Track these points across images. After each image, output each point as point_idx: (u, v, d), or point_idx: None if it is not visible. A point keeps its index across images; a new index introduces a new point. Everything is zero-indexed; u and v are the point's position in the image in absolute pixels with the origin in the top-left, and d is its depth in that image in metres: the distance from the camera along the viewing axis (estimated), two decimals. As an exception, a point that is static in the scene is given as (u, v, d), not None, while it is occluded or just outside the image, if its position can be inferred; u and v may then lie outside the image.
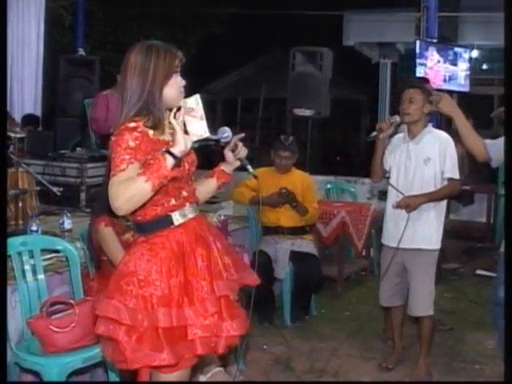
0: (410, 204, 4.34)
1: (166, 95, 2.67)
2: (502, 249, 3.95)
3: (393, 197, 4.50)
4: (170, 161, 2.52)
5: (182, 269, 2.67)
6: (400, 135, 4.58)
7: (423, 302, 4.44)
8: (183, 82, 2.73)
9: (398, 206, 4.39)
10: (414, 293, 4.44)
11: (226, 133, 2.78)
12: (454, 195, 4.65)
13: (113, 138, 2.61)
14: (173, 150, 2.55)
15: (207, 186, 2.97)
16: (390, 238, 4.54)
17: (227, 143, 2.84)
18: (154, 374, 2.75)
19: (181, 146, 2.55)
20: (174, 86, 2.69)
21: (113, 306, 2.61)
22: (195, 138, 2.63)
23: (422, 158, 4.36)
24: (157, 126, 2.67)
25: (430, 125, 4.54)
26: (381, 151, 4.55)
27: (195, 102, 2.69)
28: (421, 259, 4.41)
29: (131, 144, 2.57)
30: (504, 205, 3.72)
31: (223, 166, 2.94)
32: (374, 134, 4.47)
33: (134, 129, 2.60)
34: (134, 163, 2.55)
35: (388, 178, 4.59)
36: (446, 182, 4.38)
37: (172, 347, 2.60)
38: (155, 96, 2.65)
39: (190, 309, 2.62)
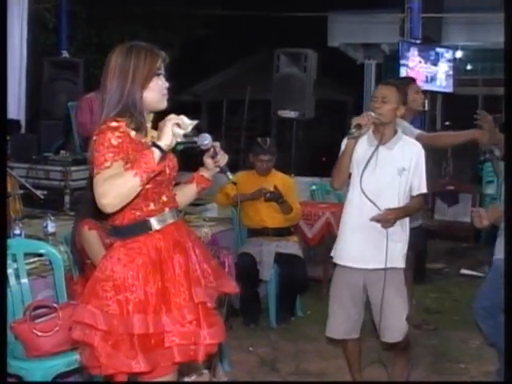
0: (391, 219, 3.79)
1: (147, 98, 2.65)
2: (498, 255, 3.94)
3: (361, 205, 3.86)
4: (157, 154, 2.49)
5: (160, 275, 2.62)
6: (365, 136, 3.94)
7: (400, 327, 3.93)
8: (166, 84, 2.70)
9: (378, 220, 3.79)
10: (388, 319, 3.88)
11: (206, 140, 2.70)
12: (418, 211, 4.36)
13: (94, 137, 2.58)
14: (159, 142, 2.52)
15: (186, 192, 2.92)
16: (353, 258, 3.92)
17: (207, 150, 2.78)
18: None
19: (167, 139, 2.53)
20: (156, 88, 2.66)
21: (88, 311, 2.58)
22: (182, 132, 2.57)
23: (395, 168, 3.84)
24: (139, 128, 2.64)
25: (399, 130, 4.01)
26: (353, 151, 3.88)
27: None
28: (395, 279, 3.87)
29: (114, 142, 2.53)
30: (504, 204, 3.71)
31: (202, 172, 2.89)
32: (354, 130, 3.77)
33: (116, 128, 2.57)
34: (118, 161, 2.52)
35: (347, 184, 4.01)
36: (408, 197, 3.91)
37: (147, 354, 2.56)
38: (135, 98, 2.62)
39: (167, 316, 2.58)
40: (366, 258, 3.88)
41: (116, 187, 2.45)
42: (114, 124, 2.58)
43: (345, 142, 3.91)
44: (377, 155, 3.85)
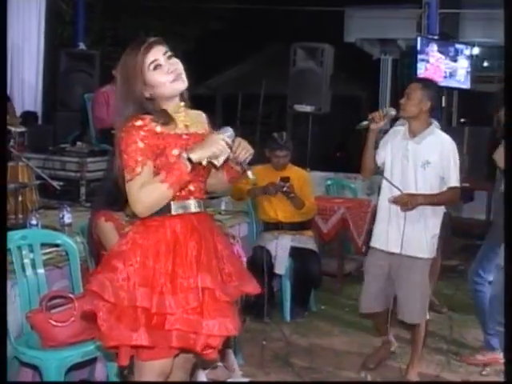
0: (408, 202, 4.06)
1: (154, 93, 2.69)
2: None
3: (387, 192, 4.25)
4: (188, 166, 2.58)
5: (172, 257, 2.64)
6: (398, 129, 4.36)
7: (416, 310, 4.25)
8: (173, 66, 2.68)
9: (395, 201, 4.11)
10: (405, 301, 4.24)
11: (226, 132, 2.69)
12: (455, 203, 4.50)
13: (121, 135, 2.63)
14: (193, 155, 2.59)
15: (219, 177, 2.90)
16: (378, 241, 4.33)
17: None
18: (136, 363, 2.73)
19: (202, 154, 2.60)
20: (156, 81, 2.67)
21: (98, 280, 2.63)
22: (220, 155, 2.63)
23: (420, 161, 4.10)
24: (166, 121, 2.68)
25: (433, 125, 4.25)
26: (373, 144, 4.29)
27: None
28: (414, 267, 4.20)
29: (140, 145, 2.59)
30: (504, 205, 3.73)
31: (231, 163, 2.84)
32: (365, 123, 4.23)
33: (141, 127, 2.61)
34: (147, 163, 2.60)
35: (381, 173, 4.36)
36: (444, 189, 4.15)
37: (149, 330, 2.58)
38: (141, 97, 2.67)
39: (171, 297, 2.58)
40: (387, 241, 4.24)
41: (151, 198, 2.60)
42: (139, 123, 2.62)
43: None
44: (407, 149, 4.17)
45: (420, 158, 4.11)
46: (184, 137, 2.71)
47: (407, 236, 4.11)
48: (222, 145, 2.60)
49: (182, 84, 2.71)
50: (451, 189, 4.14)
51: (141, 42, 2.70)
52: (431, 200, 4.13)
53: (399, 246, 4.14)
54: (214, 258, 2.74)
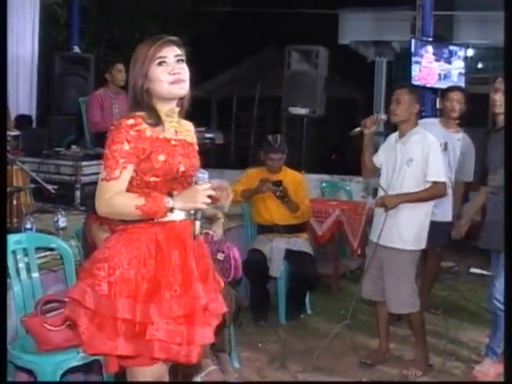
0: (385, 203, 4.37)
1: (152, 88, 2.68)
2: None
3: (380, 194, 4.55)
4: (167, 210, 2.59)
5: (154, 265, 2.62)
6: (396, 134, 4.57)
7: (398, 301, 4.43)
8: (176, 71, 2.67)
9: (376, 204, 4.50)
10: (388, 291, 4.45)
11: (205, 179, 2.63)
12: (438, 197, 4.56)
13: (111, 129, 2.62)
14: (177, 203, 2.59)
15: None
16: (372, 233, 4.61)
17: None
18: (127, 369, 2.73)
19: (185, 205, 2.60)
20: (156, 77, 2.66)
21: (79, 287, 2.62)
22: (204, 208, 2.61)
23: (405, 159, 4.36)
24: (156, 122, 2.66)
25: (419, 125, 4.52)
26: (369, 147, 4.58)
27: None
28: (395, 259, 4.40)
29: (126, 147, 2.57)
30: (504, 206, 3.74)
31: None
32: (358, 129, 4.54)
33: (132, 126, 2.60)
34: (128, 167, 2.59)
35: (379, 175, 4.62)
36: (428, 185, 4.35)
37: (129, 340, 2.56)
38: (138, 89, 2.67)
39: (155, 307, 2.56)
40: (373, 233, 4.56)
41: (119, 211, 2.59)
42: (131, 121, 2.61)
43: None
44: (395, 150, 4.44)
45: (405, 156, 4.36)
46: (173, 142, 2.70)
47: (387, 227, 4.36)
48: (206, 202, 2.58)
49: (179, 90, 2.69)
50: (434, 184, 4.35)
51: (160, 37, 2.70)
52: (407, 198, 4.35)
53: (384, 238, 4.38)
54: (198, 265, 2.72)
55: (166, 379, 2.83)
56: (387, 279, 4.43)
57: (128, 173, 2.59)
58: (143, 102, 2.68)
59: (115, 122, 2.63)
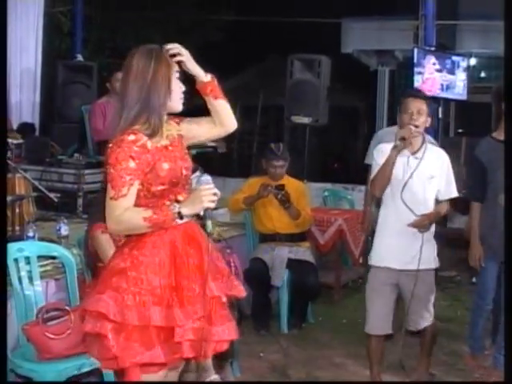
0: (426, 224, 4.12)
1: (168, 99, 2.69)
2: None
3: (400, 213, 4.12)
4: (176, 218, 2.61)
5: (174, 269, 2.65)
6: (384, 146, 4.20)
7: (425, 315, 4.29)
8: (183, 88, 2.75)
9: (416, 226, 4.09)
10: (413, 312, 4.25)
11: (209, 181, 2.70)
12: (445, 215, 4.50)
13: (112, 147, 2.61)
14: (184, 209, 2.61)
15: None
16: (390, 260, 4.18)
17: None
18: (142, 376, 2.70)
19: (192, 209, 2.63)
20: (176, 90, 2.71)
21: (103, 301, 2.60)
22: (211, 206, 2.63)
23: (425, 176, 4.10)
24: (155, 132, 2.66)
25: (427, 138, 4.31)
26: (394, 162, 4.06)
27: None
28: (428, 279, 4.23)
29: (131, 165, 2.58)
30: (504, 209, 3.73)
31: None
32: (399, 143, 4.01)
33: (134, 142, 2.60)
34: (134, 184, 2.60)
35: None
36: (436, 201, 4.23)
37: (162, 346, 2.60)
38: (155, 100, 2.65)
39: (179, 310, 2.59)
40: (401, 260, 4.15)
41: (129, 226, 2.63)
42: (132, 137, 2.61)
43: (379, 151, 4.20)
44: (408, 165, 4.10)
45: (425, 173, 4.11)
46: (170, 148, 2.72)
47: (425, 249, 4.12)
48: (213, 200, 2.62)
49: (181, 107, 2.76)
50: (446, 201, 4.26)
51: (159, 48, 2.71)
52: (438, 215, 4.23)
53: (410, 262, 4.12)
54: (211, 260, 2.75)
55: None
56: (416, 303, 4.19)
57: (135, 188, 2.61)
58: (155, 112, 2.65)
59: (115, 140, 2.62)
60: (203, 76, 2.77)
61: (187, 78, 2.78)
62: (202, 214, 2.68)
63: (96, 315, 2.62)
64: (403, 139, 4.01)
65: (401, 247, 4.15)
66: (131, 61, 2.69)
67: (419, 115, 4.08)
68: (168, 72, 2.67)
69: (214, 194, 2.62)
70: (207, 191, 2.61)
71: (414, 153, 4.13)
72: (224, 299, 2.75)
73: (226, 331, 2.71)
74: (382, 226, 4.29)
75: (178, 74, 2.73)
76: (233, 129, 2.89)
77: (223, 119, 2.87)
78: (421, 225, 4.09)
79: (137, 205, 2.64)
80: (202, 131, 2.89)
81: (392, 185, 4.13)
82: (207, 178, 2.69)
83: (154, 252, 2.66)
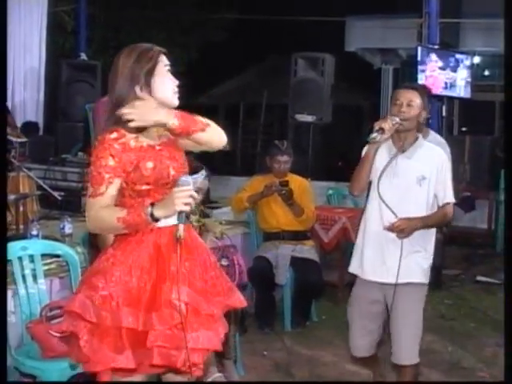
0: (405, 228, 3.54)
1: (157, 95, 2.65)
2: None
3: (381, 215, 3.65)
4: (149, 220, 2.53)
5: (155, 272, 2.59)
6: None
7: (410, 348, 3.66)
8: (176, 82, 2.69)
9: (390, 228, 3.56)
10: (399, 336, 3.66)
11: (190, 182, 2.57)
12: (450, 220, 3.93)
13: (95, 145, 2.60)
14: (158, 212, 2.52)
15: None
16: (370, 271, 3.70)
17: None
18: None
19: (168, 211, 2.53)
20: (167, 85, 2.67)
21: (79, 300, 2.57)
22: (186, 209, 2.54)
23: (414, 176, 3.60)
24: (139, 130, 2.61)
25: (420, 136, 3.75)
26: (373, 158, 3.65)
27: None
28: (412, 295, 3.64)
29: (110, 163, 2.55)
30: (504, 209, 3.69)
31: None
32: (376, 135, 3.51)
33: (115, 140, 2.58)
34: (114, 181, 2.56)
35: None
36: (436, 207, 3.68)
37: (134, 350, 2.52)
38: (140, 96, 2.62)
39: (156, 314, 2.52)
40: (381, 271, 3.66)
41: (104, 225, 2.62)
42: (114, 135, 2.59)
43: (366, 148, 3.71)
44: (395, 164, 3.62)
45: (414, 174, 3.61)
46: (157, 148, 2.66)
47: (405, 259, 3.57)
48: (187, 203, 2.51)
49: (177, 102, 2.70)
50: (444, 206, 3.69)
51: (150, 46, 2.69)
52: (427, 222, 3.64)
53: (394, 273, 3.57)
54: (198, 268, 2.68)
55: None
56: (400, 323, 3.64)
57: (114, 187, 2.57)
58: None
59: (98, 138, 2.61)
60: (169, 123, 2.58)
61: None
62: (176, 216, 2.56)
63: (74, 315, 2.57)
64: (382, 130, 3.51)
65: (382, 255, 3.65)
66: (117, 61, 2.69)
67: (409, 107, 3.57)
68: (152, 68, 2.63)
69: (191, 197, 2.52)
70: (182, 193, 2.50)
71: (403, 151, 3.64)
72: (198, 307, 2.60)
73: (200, 339, 2.57)
74: (362, 229, 3.82)
75: (167, 68, 2.67)
76: (221, 146, 2.75)
77: (208, 145, 2.73)
78: (397, 229, 3.55)
79: (122, 204, 2.60)
80: (189, 144, 2.76)
81: (374, 184, 3.68)
82: (187, 179, 2.56)
83: (135, 253, 2.60)
